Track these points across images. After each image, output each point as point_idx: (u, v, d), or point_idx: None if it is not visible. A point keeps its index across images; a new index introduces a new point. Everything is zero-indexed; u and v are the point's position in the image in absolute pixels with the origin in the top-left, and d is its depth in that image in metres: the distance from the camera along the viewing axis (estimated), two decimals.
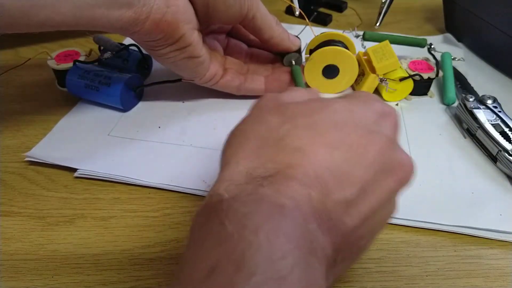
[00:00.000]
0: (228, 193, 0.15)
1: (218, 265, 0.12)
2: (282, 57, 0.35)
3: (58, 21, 0.23)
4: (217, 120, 0.34)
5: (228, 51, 0.36)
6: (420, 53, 0.39)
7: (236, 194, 0.15)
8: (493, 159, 0.30)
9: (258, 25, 0.32)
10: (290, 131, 0.17)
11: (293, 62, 0.35)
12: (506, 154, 0.28)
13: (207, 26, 0.33)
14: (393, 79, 0.34)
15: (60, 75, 0.35)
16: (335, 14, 0.50)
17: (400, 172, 0.18)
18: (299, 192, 0.15)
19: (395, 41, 0.38)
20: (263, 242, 0.13)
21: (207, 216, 0.15)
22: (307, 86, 0.36)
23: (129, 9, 0.25)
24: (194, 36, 0.29)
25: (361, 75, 0.36)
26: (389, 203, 0.18)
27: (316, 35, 0.36)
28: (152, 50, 0.30)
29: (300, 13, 0.44)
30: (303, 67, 0.35)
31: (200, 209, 0.15)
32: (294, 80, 0.34)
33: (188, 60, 0.30)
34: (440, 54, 0.39)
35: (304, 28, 0.37)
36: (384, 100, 0.36)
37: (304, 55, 0.36)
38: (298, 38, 0.35)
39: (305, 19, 0.38)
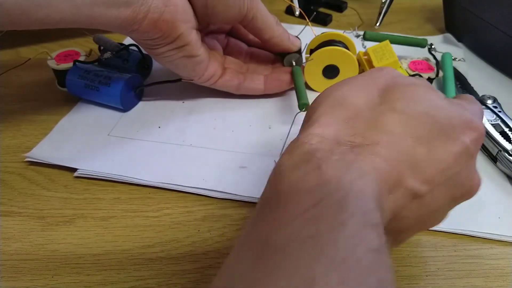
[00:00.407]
0: (322, 145, 0.16)
1: (323, 200, 0.14)
2: (282, 57, 0.35)
3: (57, 19, 0.24)
4: (217, 120, 0.34)
5: (227, 51, 0.36)
6: (421, 53, 0.39)
7: (329, 149, 0.16)
8: (493, 159, 0.30)
9: (259, 25, 0.32)
10: (386, 112, 0.18)
11: (294, 62, 0.35)
12: (506, 154, 0.28)
13: (207, 26, 0.33)
14: None
15: (60, 75, 0.35)
16: (335, 14, 0.50)
17: (467, 189, 0.19)
18: (379, 165, 0.16)
19: (396, 41, 0.38)
20: (359, 193, 0.14)
21: (300, 161, 0.16)
22: (307, 86, 0.36)
23: (127, 8, 0.25)
24: (192, 36, 0.29)
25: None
26: (444, 211, 0.19)
27: (316, 35, 0.36)
28: (150, 49, 0.30)
29: (300, 13, 0.44)
30: (303, 67, 0.35)
31: (287, 155, 0.16)
32: (294, 81, 0.34)
33: (186, 59, 0.30)
34: (441, 54, 0.39)
35: (304, 27, 0.37)
36: None
37: (304, 55, 0.36)
38: (299, 38, 0.35)
39: (305, 19, 0.38)
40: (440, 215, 0.19)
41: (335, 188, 0.14)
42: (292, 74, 0.34)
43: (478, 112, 0.21)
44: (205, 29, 0.34)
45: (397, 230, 0.18)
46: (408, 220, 0.17)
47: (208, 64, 0.32)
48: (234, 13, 0.30)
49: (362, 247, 0.13)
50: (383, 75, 0.20)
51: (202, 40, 0.33)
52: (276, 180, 0.16)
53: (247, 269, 0.13)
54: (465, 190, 0.19)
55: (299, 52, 0.35)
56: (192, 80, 0.34)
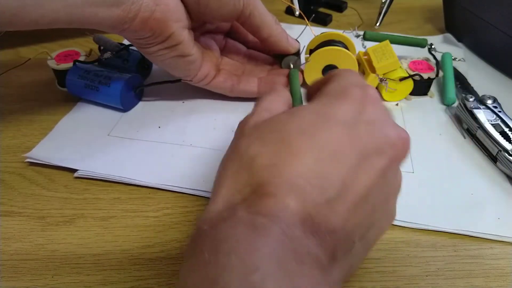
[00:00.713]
0: (207, 224, 0.16)
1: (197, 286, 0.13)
2: (280, 59, 0.35)
3: (49, 19, 0.24)
4: (217, 120, 0.34)
5: (225, 52, 0.36)
6: (421, 53, 0.39)
7: (214, 224, 0.15)
8: (493, 159, 0.30)
9: (256, 23, 0.31)
10: (259, 150, 0.17)
11: (291, 65, 0.34)
12: (506, 154, 0.28)
13: (202, 25, 0.33)
14: (393, 79, 0.34)
15: (60, 75, 0.35)
16: (335, 14, 0.50)
17: (391, 150, 0.17)
18: (275, 206, 0.15)
19: (396, 41, 0.38)
20: (235, 262, 0.13)
21: (192, 247, 0.16)
22: (307, 86, 0.36)
23: (118, 8, 0.26)
24: (184, 35, 0.29)
25: (361, 75, 0.36)
26: (384, 181, 0.18)
27: (316, 35, 0.36)
28: (142, 48, 0.30)
29: (300, 13, 0.44)
30: (302, 71, 0.35)
31: (189, 241, 0.16)
32: (290, 84, 0.33)
33: (178, 59, 0.30)
34: (441, 54, 0.39)
35: (305, 28, 0.37)
36: (384, 100, 0.36)
37: (304, 55, 0.36)
38: (298, 42, 0.35)
39: (305, 19, 0.38)
40: (385, 188, 0.18)
41: (209, 271, 0.13)
42: (289, 77, 0.34)
43: (356, 77, 0.20)
44: (201, 28, 0.34)
45: (343, 238, 0.16)
46: (354, 222, 0.16)
47: (201, 64, 0.32)
48: (229, 9, 0.30)
49: None
50: (239, 125, 0.20)
51: (197, 40, 0.33)
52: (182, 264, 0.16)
53: None
54: (389, 154, 0.17)
55: (297, 54, 0.35)
56: (191, 80, 0.34)
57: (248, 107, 0.35)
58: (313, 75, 0.35)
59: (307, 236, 0.15)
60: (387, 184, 0.18)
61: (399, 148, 0.18)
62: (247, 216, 0.15)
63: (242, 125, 0.20)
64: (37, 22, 0.24)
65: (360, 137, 0.17)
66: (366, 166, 0.17)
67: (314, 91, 0.22)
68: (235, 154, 0.18)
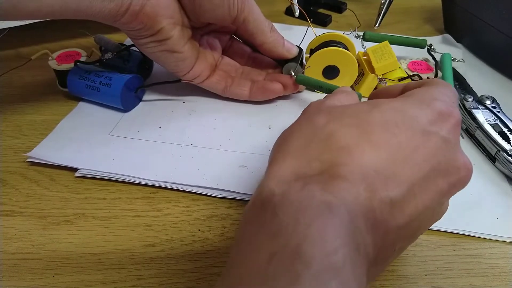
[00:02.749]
0: (278, 188, 0.15)
1: (277, 254, 0.13)
2: (282, 64, 0.35)
3: (45, 12, 0.25)
4: (217, 120, 0.34)
5: (229, 52, 0.36)
6: (420, 54, 0.39)
7: (286, 190, 0.15)
8: (492, 159, 0.30)
9: (250, 30, 0.32)
10: (336, 130, 0.17)
11: (292, 72, 0.35)
12: (505, 154, 0.28)
13: (201, 24, 0.33)
14: (392, 79, 0.34)
15: (61, 75, 0.35)
16: (334, 15, 0.50)
17: (455, 175, 0.18)
18: (345, 190, 0.15)
19: (396, 41, 0.38)
20: (316, 236, 0.13)
21: (259, 209, 0.15)
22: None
23: (111, 2, 0.27)
24: (175, 31, 0.30)
25: (361, 75, 0.36)
26: (438, 206, 0.18)
27: (317, 35, 0.36)
28: (134, 39, 0.31)
29: (299, 14, 0.45)
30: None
31: (250, 204, 0.16)
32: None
33: (167, 54, 0.31)
34: (440, 55, 0.39)
35: (307, 30, 0.37)
36: None
37: (304, 62, 0.36)
38: (299, 47, 0.35)
39: (305, 20, 0.38)
40: (434, 213, 0.19)
41: (289, 237, 0.13)
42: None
43: (449, 96, 0.20)
44: (207, 27, 0.34)
45: (390, 244, 0.16)
46: (403, 234, 0.16)
47: (194, 63, 0.32)
48: (222, 12, 0.30)
49: None
50: (314, 105, 0.20)
51: (199, 38, 0.33)
52: (238, 232, 0.16)
53: None
54: (452, 179, 0.18)
55: (298, 59, 0.34)
56: (191, 81, 0.34)
57: (248, 107, 0.35)
58: (313, 75, 0.36)
59: (367, 230, 0.15)
60: (439, 207, 0.18)
61: (462, 175, 0.18)
62: (321, 193, 0.14)
63: (318, 104, 0.20)
64: (33, 15, 0.25)
65: (436, 152, 0.17)
66: (432, 184, 0.17)
67: (394, 94, 0.21)
68: (309, 127, 0.18)
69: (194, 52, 0.32)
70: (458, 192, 0.28)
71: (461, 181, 0.18)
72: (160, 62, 0.32)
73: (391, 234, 0.16)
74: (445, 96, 0.19)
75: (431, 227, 0.25)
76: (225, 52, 0.36)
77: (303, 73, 0.35)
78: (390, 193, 0.15)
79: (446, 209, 0.20)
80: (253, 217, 0.15)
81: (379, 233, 0.15)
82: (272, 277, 0.13)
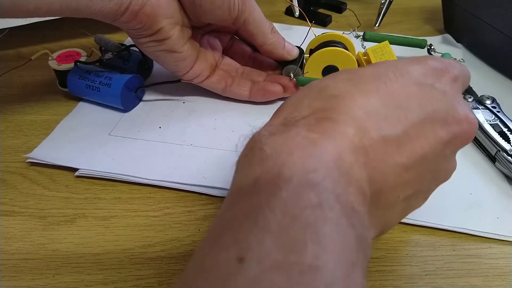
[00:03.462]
0: (267, 131, 0.16)
1: (261, 176, 0.14)
2: (282, 66, 0.35)
3: (45, 10, 0.25)
4: (217, 120, 0.34)
5: (230, 52, 0.36)
6: (420, 54, 0.39)
7: (273, 130, 0.16)
8: (492, 159, 0.30)
9: (250, 30, 0.32)
10: (329, 83, 0.18)
11: (292, 74, 0.34)
12: (505, 154, 0.28)
13: (201, 24, 0.33)
14: None
15: (61, 75, 0.35)
16: (334, 15, 0.50)
17: (455, 126, 0.18)
18: (332, 129, 0.15)
19: (396, 41, 0.38)
20: (297, 160, 0.14)
21: (250, 147, 0.16)
22: None
23: (111, 1, 0.27)
24: (174, 31, 0.30)
25: None
26: (442, 158, 0.18)
27: (316, 35, 0.36)
28: (133, 37, 0.31)
29: (299, 14, 0.45)
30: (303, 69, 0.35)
31: (243, 151, 0.17)
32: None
33: (167, 53, 0.31)
34: (440, 55, 0.39)
35: (309, 30, 0.37)
36: None
37: (305, 62, 0.36)
38: (300, 48, 0.35)
39: (304, 20, 0.38)
40: (440, 166, 0.18)
41: (273, 163, 0.14)
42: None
43: (434, 57, 0.20)
44: (207, 27, 0.34)
45: (391, 186, 0.16)
46: (406, 177, 0.17)
47: (194, 63, 0.32)
48: (222, 13, 0.30)
49: (299, 206, 0.13)
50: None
51: (199, 38, 0.33)
52: (234, 170, 0.17)
53: (206, 243, 0.14)
54: (453, 129, 0.18)
55: (298, 61, 0.34)
56: (191, 81, 0.34)
57: (248, 107, 0.35)
58: (313, 75, 0.36)
59: (358, 165, 0.15)
60: (443, 160, 0.18)
61: (464, 128, 0.18)
62: (306, 133, 0.15)
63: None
64: (33, 13, 0.25)
65: (431, 100, 0.17)
66: (429, 130, 0.17)
67: None
68: (306, 88, 0.19)
69: (194, 52, 0.32)
70: (458, 192, 0.28)
71: (463, 133, 0.18)
72: (159, 62, 0.33)
73: (391, 175, 0.16)
74: (441, 59, 0.20)
75: (431, 225, 0.26)
76: (225, 51, 0.36)
77: (302, 75, 0.35)
78: (381, 132, 0.16)
79: (454, 168, 0.20)
80: (243, 156, 0.16)
81: (375, 171, 0.16)
82: (257, 193, 0.14)
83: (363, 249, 0.14)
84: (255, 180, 0.14)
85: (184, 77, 0.33)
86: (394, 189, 0.17)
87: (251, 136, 0.17)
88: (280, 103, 0.35)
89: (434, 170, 0.18)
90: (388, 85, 0.17)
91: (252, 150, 0.16)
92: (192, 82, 0.34)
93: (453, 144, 0.18)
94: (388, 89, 0.17)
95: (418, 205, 0.20)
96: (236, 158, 0.17)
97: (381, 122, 0.16)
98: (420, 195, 0.19)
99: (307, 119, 0.16)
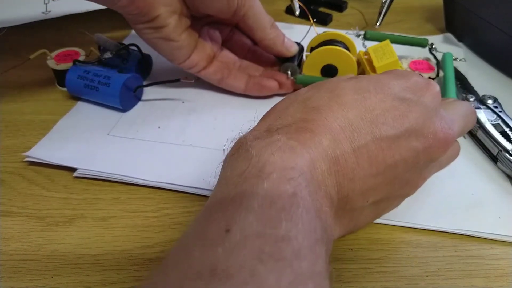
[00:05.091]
0: (252, 135, 0.18)
1: (247, 170, 0.16)
2: (281, 61, 0.35)
3: None
4: (217, 120, 0.34)
5: (230, 44, 0.36)
6: (421, 53, 0.39)
7: (257, 137, 0.18)
8: (494, 159, 0.30)
9: (250, 25, 0.32)
10: (313, 95, 0.19)
11: (289, 72, 0.34)
12: (507, 154, 0.28)
13: (201, 15, 0.33)
14: None
15: (60, 75, 0.35)
16: (335, 14, 0.50)
17: (431, 140, 0.19)
18: (309, 139, 0.17)
19: (397, 40, 0.38)
20: (278, 159, 0.16)
21: (237, 148, 0.18)
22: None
23: None
24: (172, 19, 0.30)
25: (362, 74, 0.36)
26: (414, 167, 0.19)
27: (318, 33, 0.36)
28: (131, 23, 0.31)
29: (300, 12, 0.44)
30: (302, 67, 0.35)
31: (230, 151, 0.19)
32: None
33: (163, 41, 0.31)
34: (441, 54, 0.39)
35: (309, 29, 0.37)
36: None
37: (304, 59, 0.36)
38: (300, 45, 0.35)
39: (305, 19, 0.38)
40: (412, 174, 0.20)
41: (256, 161, 0.16)
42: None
43: (415, 73, 0.22)
44: (208, 18, 0.34)
45: (359, 192, 0.18)
46: (372, 184, 0.18)
47: (191, 53, 0.32)
48: (221, 6, 0.30)
49: (277, 194, 0.15)
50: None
51: (199, 29, 0.33)
52: (221, 167, 0.19)
53: (200, 217, 0.16)
54: (428, 142, 0.19)
55: (297, 59, 0.34)
56: (191, 81, 0.34)
57: (248, 107, 0.35)
58: (312, 74, 0.35)
59: (329, 173, 0.17)
60: (415, 170, 0.19)
61: (439, 140, 0.19)
62: (286, 140, 0.17)
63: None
64: None
65: (408, 114, 0.18)
66: (402, 142, 0.18)
67: None
68: (293, 95, 0.20)
69: (191, 42, 0.32)
70: (460, 192, 0.28)
71: (438, 145, 0.19)
72: (156, 49, 0.33)
73: (359, 181, 0.18)
74: (418, 75, 0.21)
75: (433, 228, 0.25)
76: (225, 43, 0.36)
77: (300, 73, 0.35)
78: (353, 144, 0.18)
79: (429, 175, 0.21)
80: (230, 156, 0.18)
81: (345, 178, 0.17)
82: (242, 182, 0.16)
83: (326, 241, 0.16)
84: (241, 172, 0.16)
85: (180, 66, 0.33)
86: (362, 195, 0.18)
87: (237, 139, 0.19)
88: (276, 98, 0.35)
89: (405, 179, 0.19)
90: (366, 99, 0.18)
91: (239, 151, 0.18)
92: (191, 82, 0.34)
93: (427, 155, 0.19)
94: (366, 103, 0.18)
95: (391, 208, 0.21)
96: (223, 157, 0.19)
97: (355, 134, 0.18)
98: (390, 200, 0.21)
99: (288, 127, 0.18)
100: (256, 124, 0.20)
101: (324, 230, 0.16)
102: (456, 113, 0.22)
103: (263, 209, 0.14)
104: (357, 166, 0.17)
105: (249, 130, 0.19)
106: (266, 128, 0.18)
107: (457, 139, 0.32)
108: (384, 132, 0.18)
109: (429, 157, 0.19)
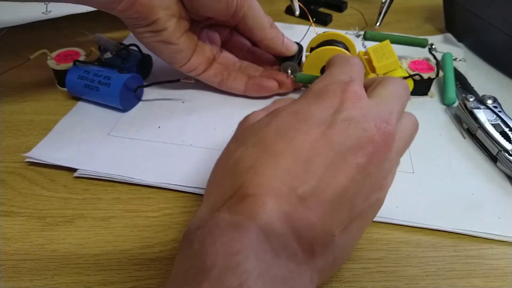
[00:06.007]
0: (195, 225, 0.17)
1: (188, 270, 0.15)
2: (281, 61, 0.35)
3: None
4: (217, 120, 0.34)
5: (228, 45, 0.36)
6: (421, 53, 0.39)
7: (201, 224, 0.17)
8: (493, 159, 0.30)
9: (249, 25, 0.32)
10: (241, 154, 0.18)
11: (289, 71, 0.34)
12: (506, 154, 0.28)
13: (200, 17, 0.33)
14: None
15: (60, 75, 0.35)
16: (335, 14, 0.50)
17: (371, 148, 0.18)
18: (253, 206, 0.16)
19: (397, 41, 0.38)
20: (219, 248, 0.15)
21: (184, 240, 0.17)
22: (307, 86, 0.36)
23: None
24: (171, 23, 0.30)
25: None
26: (367, 179, 0.18)
27: (318, 33, 0.36)
28: (130, 27, 0.31)
29: (300, 12, 0.44)
30: (301, 68, 0.35)
31: (182, 239, 0.18)
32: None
33: (163, 45, 0.31)
34: (441, 54, 0.39)
35: (308, 29, 0.37)
36: None
37: (304, 54, 0.36)
38: (299, 45, 0.35)
39: (305, 19, 0.38)
40: (369, 186, 0.18)
41: (198, 256, 0.15)
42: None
43: (349, 71, 0.20)
44: (207, 20, 0.34)
45: (321, 233, 0.17)
46: (335, 218, 0.17)
47: (191, 56, 0.32)
48: (220, 7, 0.30)
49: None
50: (238, 126, 0.22)
51: (198, 31, 0.33)
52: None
53: None
54: (368, 150, 0.17)
55: (296, 58, 0.34)
56: (191, 81, 0.34)
57: (248, 107, 0.35)
58: (311, 73, 0.35)
59: (284, 232, 0.16)
60: (369, 179, 0.18)
61: (379, 143, 0.18)
62: (229, 216, 0.16)
63: (239, 125, 0.22)
64: None
65: (335, 136, 0.17)
66: (342, 164, 0.17)
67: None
68: (224, 158, 0.20)
69: (190, 45, 0.32)
70: (459, 193, 0.28)
71: (380, 147, 0.18)
72: (156, 53, 0.33)
73: (317, 224, 0.17)
74: (339, 74, 0.20)
75: (433, 227, 0.25)
76: (224, 44, 0.36)
77: (300, 71, 0.35)
78: (297, 191, 0.16)
79: (388, 172, 0.19)
80: (180, 249, 0.17)
81: (301, 229, 0.16)
82: (187, 283, 0.15)
83: None
84: (185, 272, 0.16)
85: (181, 69, 0.33)
86: (326, 234, 0.17)
87: (186, 228, 0.18)
88: (275, 98, 0.35)
89: (364, 192, 0.18)
90: (292, 140, 0.18)
91: (185, 243, 0.17)
92: (191, 82, 0.34)
93: (375, 162, 0.18)
94: (294, 145, 0.17)
95: (369, 219, 0.20)
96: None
97: (295, 181, 0.17)
98: (361, 216, 0.19)
99: (230, 201, 0.17)
100: (202, 203, 0.19)
101: None
102: (389, 97, 0.20)
103: None
104: (309, 212, 0.16)
105: (197, 213, 0.18)
106: (210, 208, 0.17)
107: (454, 138, 0.32)
108: (321, 164, 0.17)
109: (378, 162, 0.18)
